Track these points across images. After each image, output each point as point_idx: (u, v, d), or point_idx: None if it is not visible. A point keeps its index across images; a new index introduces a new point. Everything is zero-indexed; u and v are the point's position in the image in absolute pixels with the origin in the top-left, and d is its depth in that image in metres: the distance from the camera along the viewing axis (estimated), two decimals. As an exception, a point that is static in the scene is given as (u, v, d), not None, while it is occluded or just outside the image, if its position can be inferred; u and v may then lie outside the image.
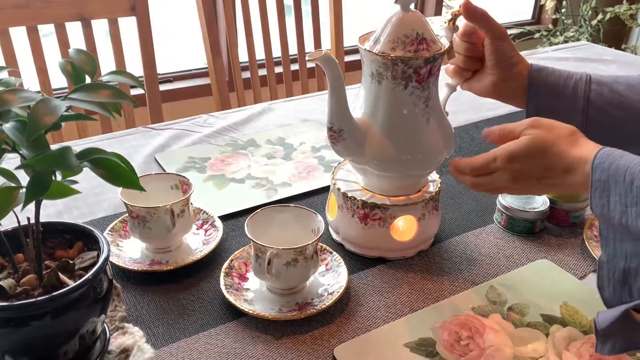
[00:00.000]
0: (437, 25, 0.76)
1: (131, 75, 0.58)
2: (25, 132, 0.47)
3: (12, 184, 0.51)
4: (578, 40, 3.01)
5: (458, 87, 0.83)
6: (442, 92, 0.80)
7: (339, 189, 0.80)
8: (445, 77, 0.82)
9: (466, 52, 0.78)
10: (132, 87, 1.89)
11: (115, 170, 0.51)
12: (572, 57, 1.64)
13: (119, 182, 0.52)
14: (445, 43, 0.74)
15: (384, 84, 0.71)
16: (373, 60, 0.71)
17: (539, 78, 0.77)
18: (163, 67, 2.20)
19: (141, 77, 1.48)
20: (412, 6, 0.72)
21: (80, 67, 0.56)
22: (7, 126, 0.48)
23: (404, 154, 0.74)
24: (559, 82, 0.76)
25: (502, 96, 0.80)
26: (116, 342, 0.64)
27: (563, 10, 3.14)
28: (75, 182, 0.53)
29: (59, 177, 0.52)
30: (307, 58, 0.67)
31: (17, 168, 0.49)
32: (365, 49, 0.71)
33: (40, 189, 0.48)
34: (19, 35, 1.32)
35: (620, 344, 0.54)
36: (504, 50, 0.76)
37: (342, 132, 0.72)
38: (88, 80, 0.56)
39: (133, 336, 0.65)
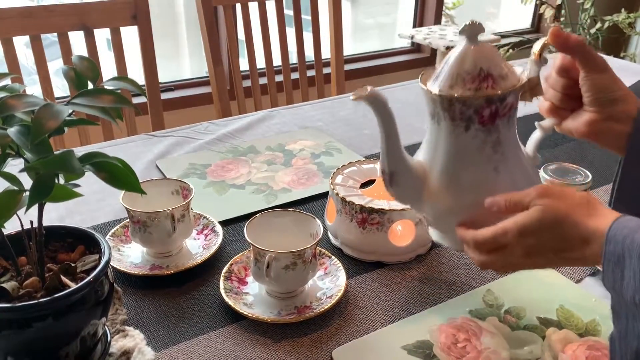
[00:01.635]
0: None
1: (133, 81, 0.59)
2: (29, 136, 0.48)
3: (16, 188, 0.52)
4: (577, 48, 3.02)
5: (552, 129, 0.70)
6: (534, 135, 0.69)
7: (337, 194, 0.81)
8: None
9: (564, 89, 0.67)
10: (134, 95, 1.90)
11: (117, 174, 0.52)
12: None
13: (121, 185, 0.53)
14: (524, 80, 0.63)
15: (443, 125, 0.63)
16: (430, 99, 0.63)
17: None
18: (165, 75, 2.22)
19: (143, 85, 1.50)
20: (480, 37, 0.61)
21: (83, 74, 0.57)
22: (12, 130, 0.49)
23: (462, 207, 0.63)
24: None
25: (600, 139, 0.66)
26: (117, 345, 0.65)
27: (562, 19, 3.17)
28: (77, 185, 0.54)
29: (61, 181, 0.53)
30: (351, 97, 0.61)
31: (21, 171, 0.50)
32: (421, 86, 0.63)
33: (43, 192, 0.49)
34: (22, 43, 1.33)
35: None
36: (603, 85, 0.64)
37: (394, 175, 0.64)
38: (90, 86, 0.57)
39: (134, 339, 0.65)
